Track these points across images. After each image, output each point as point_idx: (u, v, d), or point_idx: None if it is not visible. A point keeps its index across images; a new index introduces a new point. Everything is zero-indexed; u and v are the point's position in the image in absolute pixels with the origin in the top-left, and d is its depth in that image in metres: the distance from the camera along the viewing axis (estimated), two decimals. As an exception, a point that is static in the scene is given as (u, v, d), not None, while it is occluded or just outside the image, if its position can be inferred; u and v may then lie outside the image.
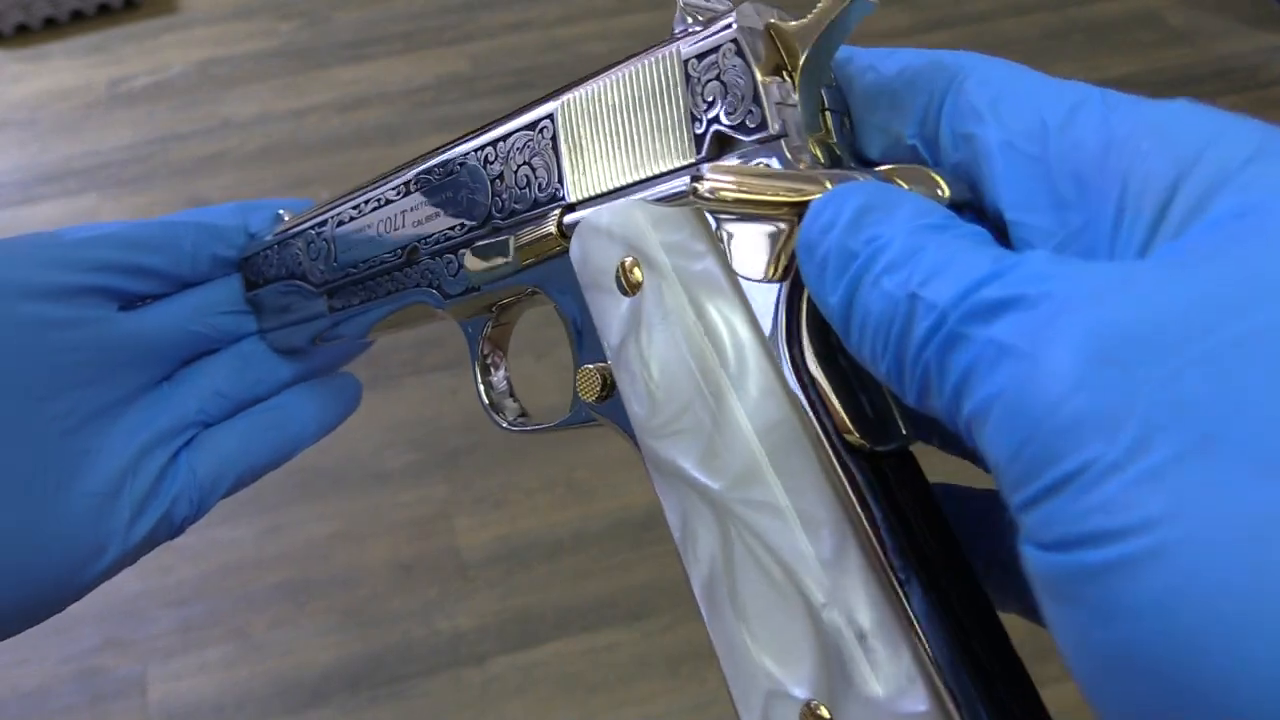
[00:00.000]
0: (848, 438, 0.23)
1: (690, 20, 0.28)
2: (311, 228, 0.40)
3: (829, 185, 0.22)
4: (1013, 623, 0.24)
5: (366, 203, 0.37)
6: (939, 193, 0.23)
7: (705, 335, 0.25)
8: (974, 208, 0.23)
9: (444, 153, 0.35)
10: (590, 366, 0.29)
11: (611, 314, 0.27)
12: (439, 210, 0.35)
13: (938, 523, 0.24)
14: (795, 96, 0.25)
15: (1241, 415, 0.14)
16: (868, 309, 0.20)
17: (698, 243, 0.26)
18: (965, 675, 0.21)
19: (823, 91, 0.26)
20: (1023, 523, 0.16)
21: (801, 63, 0.25)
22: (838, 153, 0.25)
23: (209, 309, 0.42)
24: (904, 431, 0.24)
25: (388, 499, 1.13)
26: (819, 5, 0.24)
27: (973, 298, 0.18)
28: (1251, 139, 0.18)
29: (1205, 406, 0.14)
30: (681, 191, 0.26)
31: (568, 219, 0.30)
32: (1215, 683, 0.14)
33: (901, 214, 0.20)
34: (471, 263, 0.33)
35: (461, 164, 0.34)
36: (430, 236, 0.35)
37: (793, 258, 0.24)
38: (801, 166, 0.24)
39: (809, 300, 0.24)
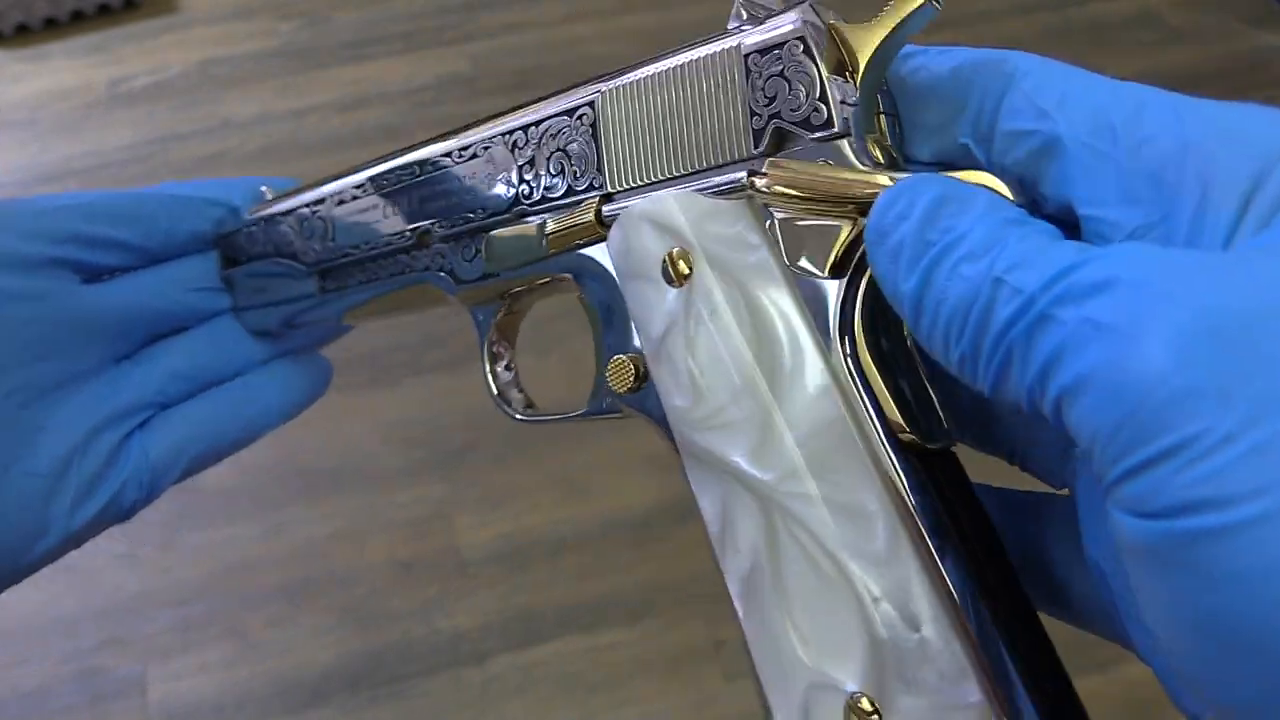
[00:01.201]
0: (901, 436, 0.24)
1: (746, 16, 0.28)
2: (305, 206, 0.39)
3: (891, 183, 0.23)
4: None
5: (373, 182, 0.37)
6: (1004, 193, 0.23)
7: (758, 328, 0.25)
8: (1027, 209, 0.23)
9: (460, 136, 0.34)
10: (622, 357, 0.29)
11: (654, 304, 0.27)
12: (457, 194, 0.34)
13: (982, 520, 0.24)
14: (856, 96, 0.25)
15: None
16: (944, 294, 0.20)
17: (751, 235, 0.26)
18: (1013, 669, 0.22)
19: (877, 94, 0.26)
20: (1121, 493, 0.17)
21: (865, 64, 0.25)
22: (893, 154, 0.26)
23: (178, 285, 0.40)
24: (949, 430, 0.25)
25: (387, 498, 1.13)
26: (886, 8, 0.25)
27: (1064, 281, 0.18)
28: None
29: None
30: (736, 184, 0.26)
31: (607, 208, 0.29)
32: None
33: (978, 207, 0.21)
34: (494, 248, 0.33)
35: (486, 148, 0.33)
36: (447, 219, 0.35)
37: (849, 254, 0.24)
38: (862, 165, 0.25)
39: (864, 298, 0.25)
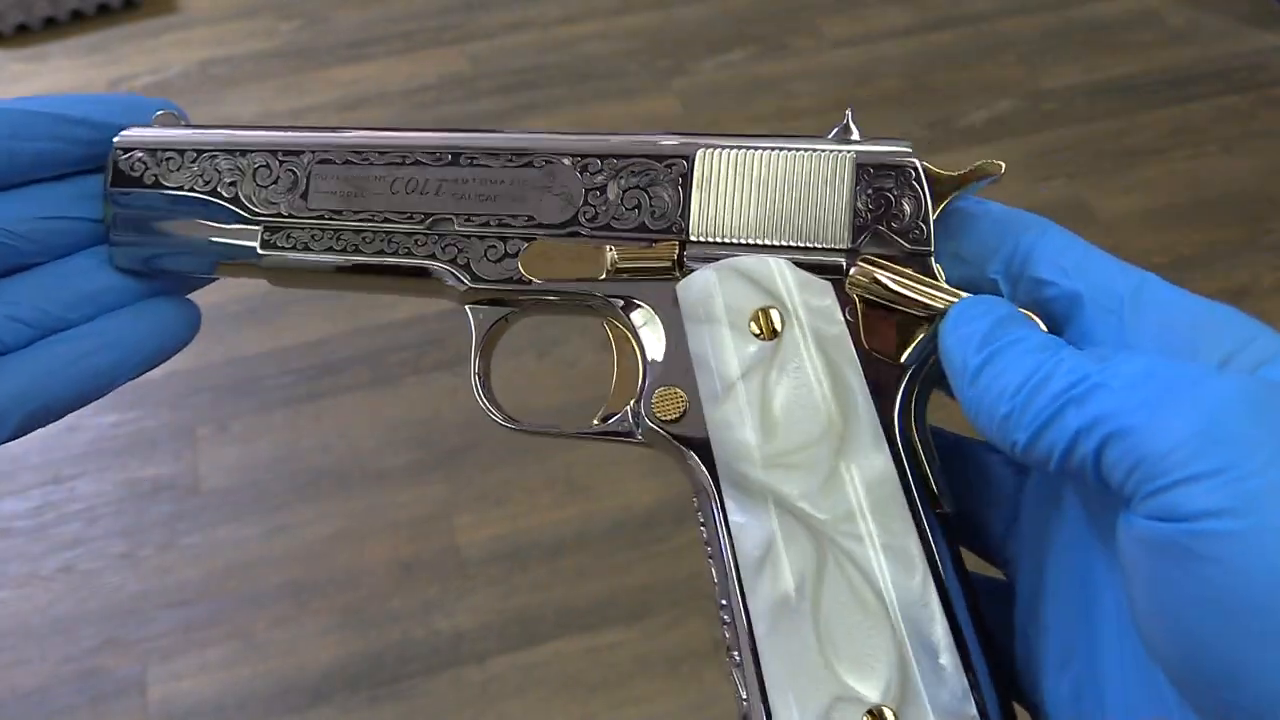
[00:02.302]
0: (932, 503, 0.30)
1: (846, 130, 0.34)
2: (267, 151, 0.36)
3: (961, 297, 0.30)
4: None
5: (378, 152, 0.36)
6: (1040, 325, 0.30)
7: (834, 390, 0.31)
8: None
9: (507, 139, 0.35)
10: (676, 389, 0.32)
11: (732, 349, 0.31)
12: (498, 195, 0.35)
13: (965, 573, 0.31)
14: (932, 224, 0.32)
15: None
16: (1006, 367, 0.27)
17: (836, 312, 0.31)
18: (996, 694, 0.29)
19: None
20: (1144, 505, 0.23)
21: (946, 202, 0.32)
22: (940, 275, 0.32)
23: (20, 215, 0.35)
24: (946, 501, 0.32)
25: (388, 498, 1.13)
26: (969, 167, 0.32)
27: (1112, 362, 0.26)
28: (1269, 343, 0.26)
29: (1246, 458, 0.22)
30: (830, 265, 0.32)
31: (688, 252, 0.33)
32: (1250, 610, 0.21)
33: (1037, 329, 0.28)
34: (539, 258, 0.34)
35: (548, 162, 0.34)
36: (476, 215, 0.35)
37: (918, 345, 0.31)
38: (939, 280, 0.31)
39: (920, 390, 0.31)
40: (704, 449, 0.31)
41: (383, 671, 1.01)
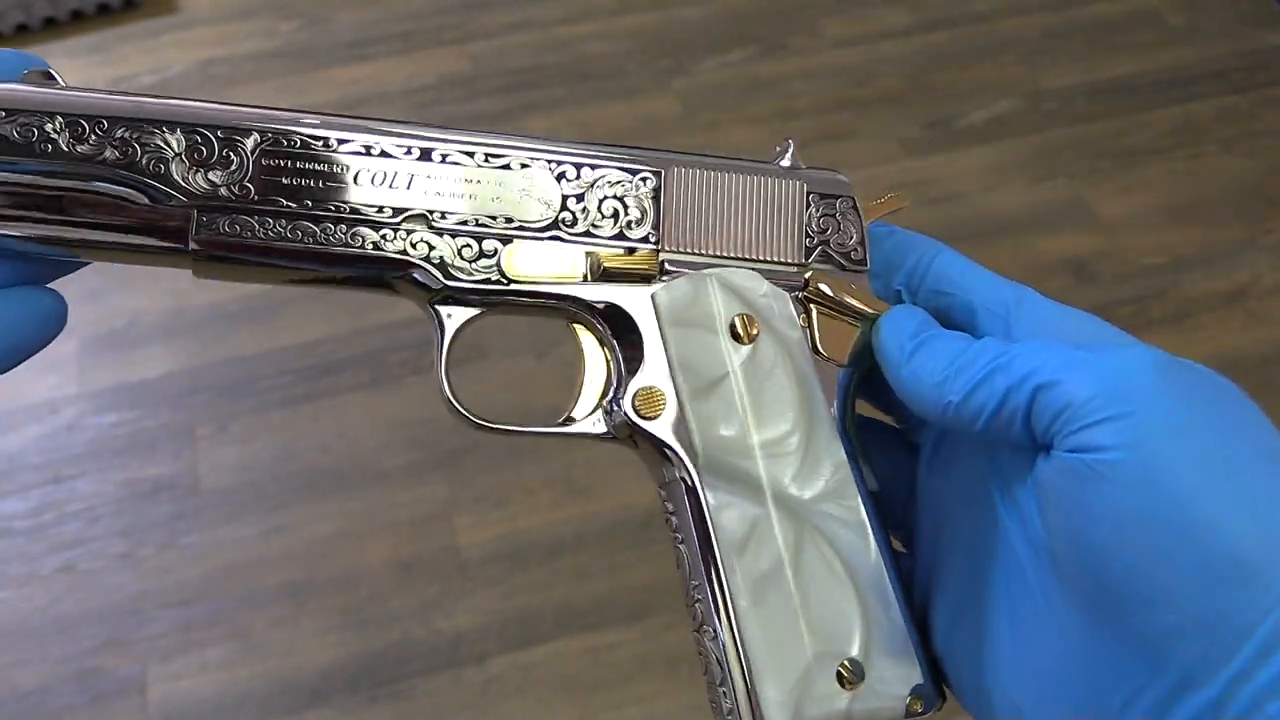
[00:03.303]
0: (867, 483, 0.35)
1: (790, 157, 0.38)
2: (205, 125, 0.33)
3: (890, 307, 0.35)
4: None
5: (340, 142, 0.34)
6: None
7: (800, 386, 0.35)
8: None
9: (475, 140, 0.34)
10: (656, 388, 0.34)
11: (713, 352, 0.34)
12: (471, 194, 0.34)
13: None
14: (868, 245, 0.37)
15: (1165, 420, 0.28)
16: (936, 350, 0.33)
17: (798, 319, 0.36)
18: (918, 638, 0.34)
19: None
20: (1067, 441, 0.29)
21: (869, 227, 0.38)
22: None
23: None
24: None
25: (388, 499, 1.13)
26: (881, 201, 0.38)
27: (1025, 345, 0.32)
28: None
29: (1148, 408, 0.28)
30: (786, 278, 0.36)
31: (668, 261, 0.36)
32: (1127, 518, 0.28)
33: (953, 330, 0.34)
34: (521, 260, 0.34)
35: (525, 165, 0.35)
36: (451, 214, 0.34)
37: (857, 347, 0.36)
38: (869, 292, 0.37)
39: (856, 387, 0.36)
40: (684, 442, 0.34)
41: (382, 671, 1.01)
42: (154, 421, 1.20)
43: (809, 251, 0.37)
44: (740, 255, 0.36)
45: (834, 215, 0.37)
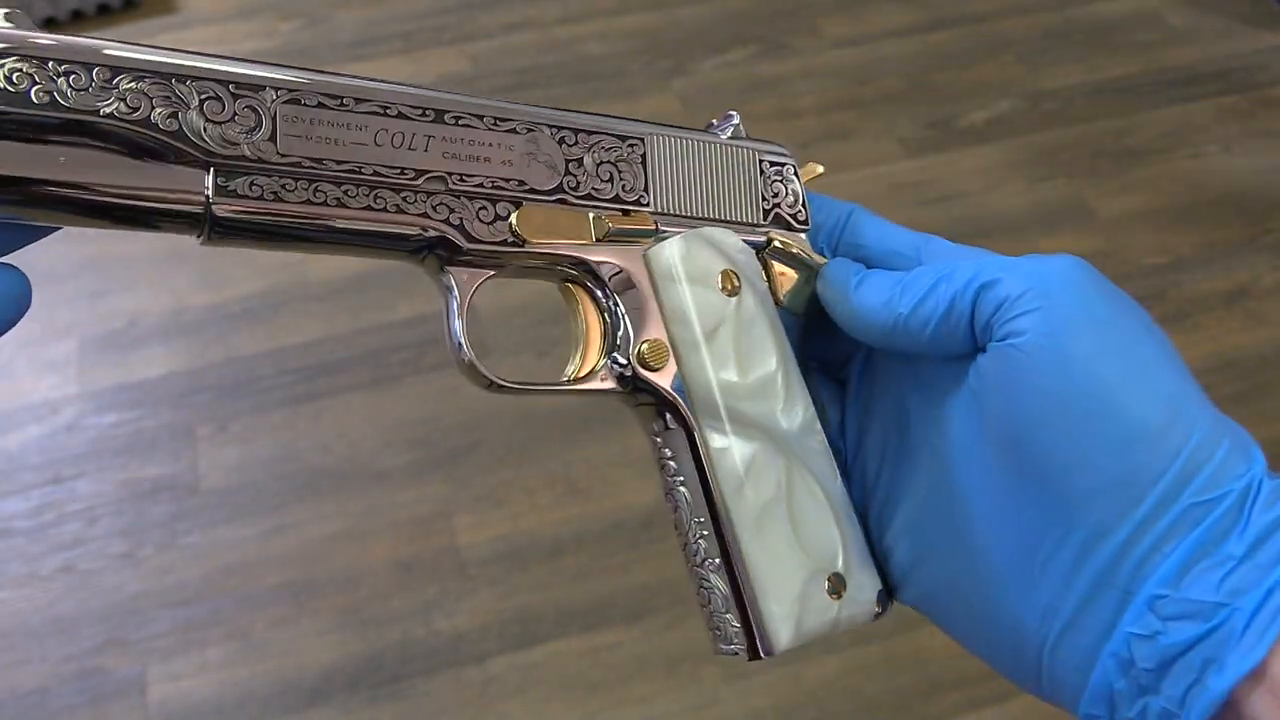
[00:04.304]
0: (824, 418, 0.39)
1: (733, 128, 0.41)
2: (215, 80, 0.31)
3: (829, 259, 0.40)
4: None
5: (355, 99, 0.33)
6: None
7: (774, 334, 0.38)
8: None
9: (486, 105, 0.35)
10: (659, 340, 0.37)
11: (708, 305, 0.37)
12: (490, 157, 0.35)
13: None
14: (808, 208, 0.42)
15: (1057, 298, 0.33)
16: (878, 281, 0.37)
17: (763, 273, 0.39)
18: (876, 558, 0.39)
19: None
20: (1002, 329, 0.33)
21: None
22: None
23: None
24: None
25: (388, 498, 1.13)
26: (805, 168, 0.42)
27: (955, 263, 0.37)
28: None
29: (1069, 302, 0.33)
30: (754, 237, 0.39)
31: (659, 222, 0.38)
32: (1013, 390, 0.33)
33: (884, 270, 0.39)
34: (534, 221, 0.35)
35: (529, 130, 0.36)
36: (470, 176, 0.34)
37: (809, 298, 0.40)
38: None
39: (807, 333, 0.40)
40: (685, 391, 0.37)
41: (382, 671, 1.01)
42: (154, 421, 1.20)
43: (766, 213, 0.40)
44: (716, 217, 0.39)
45: (781, 180, 0.41)
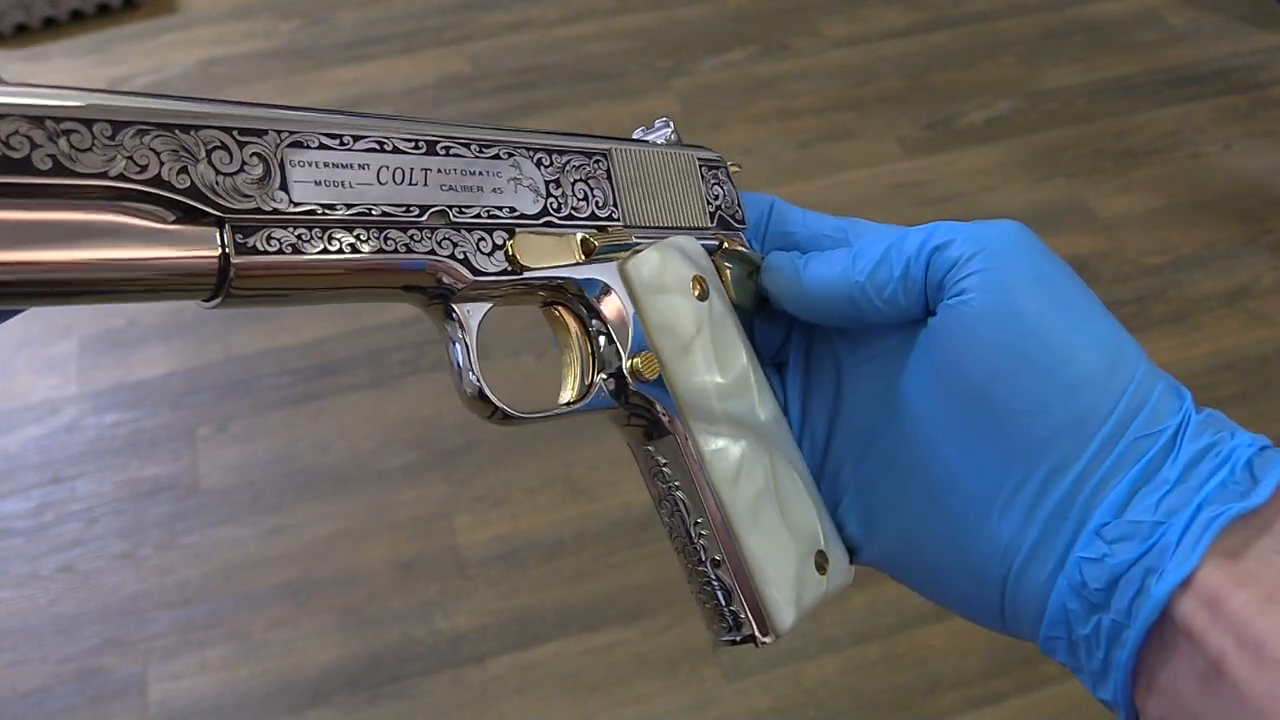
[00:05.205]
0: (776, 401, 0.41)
1: (663, 135, 0.42)
2: (218, 127, 0.28)
3: (768, 254, 0.41)
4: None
5: (353, 136, 0.31)
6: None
7: (739, 331, 0.39)
8: None
9: (474, 131, 0.34)
10: (649, 353, 0.37)
11: (685, 312, 0.38)
12: (482, 186, 0.34)
13: None
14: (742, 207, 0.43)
15: (998, 262, 0.35)
16: (824, 260, 0.39)
17: (717, 275, 0.40)
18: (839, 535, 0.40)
19: None
20: (954, 288, 0.35)
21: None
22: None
23: None
24: None
25: (388, 498, 1.13)
26: (732, 165, 0.43)
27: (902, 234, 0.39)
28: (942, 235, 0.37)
29: (1015, 262, 0.35)
30: (708, 241, 0.40)
31: (633, 235, 0.38)
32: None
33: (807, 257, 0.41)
34: (528, 248, 0.35)
35: (510, 154, 0.35)
36: (467, 207, 0.33)
37: (753, 292, 0.41)
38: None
39: (750, 327, 0.42)
40: (674, 398, 0.37)
41: (382, 671, 1.01)
42: (154, 421, 1.20)
43: (712, 216, 0.41)
44: (676, 224, 0.40)
45: (719, 183, 0.42)
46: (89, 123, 0.25)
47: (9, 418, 1.20)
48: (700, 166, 0.42)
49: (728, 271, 0.41)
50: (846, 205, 1.39)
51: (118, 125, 0.26)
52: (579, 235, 0.36)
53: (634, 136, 0.41)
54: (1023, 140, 1.51)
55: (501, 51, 1.65)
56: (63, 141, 0.25)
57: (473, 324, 0.34)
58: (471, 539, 1.10)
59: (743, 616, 0.37)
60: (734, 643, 0.38)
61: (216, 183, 0.27)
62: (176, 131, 0.27)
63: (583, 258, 0.36)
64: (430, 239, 0.32)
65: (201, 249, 0.27)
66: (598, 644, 1.02)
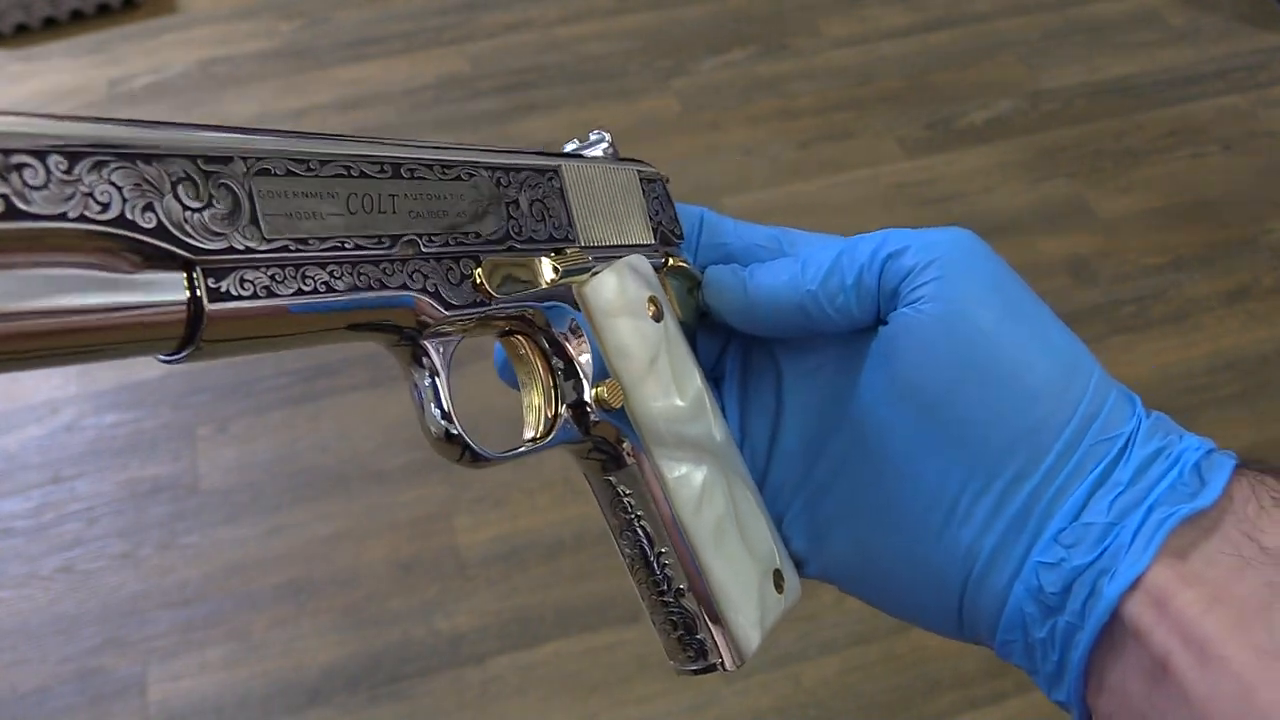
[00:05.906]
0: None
1: (600, 149, 0.40)
2: (181, 155, 0.24)
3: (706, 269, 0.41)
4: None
5: (319, 160, 0.28)
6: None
7: (688, 350, 0.38)
8: None
9: (432, 151, 0.31)
10: (611, 381, 0.35)
11: (644, 335, 0.36)
12: (448, 212, 0.31)
13: None
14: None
15: (954, 277, 0.35)
16: (769, 269, 0.38)
17: (665, 293, 0.39)
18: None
19: None
20: (909, 296, 0.35)
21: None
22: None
23: None
24: None
25: (388, 499, 1.13)
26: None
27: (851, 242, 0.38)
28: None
29: (969, 270, 0.35)
30: (654, 258, 0.39)
31: (590, 255, 0.36)
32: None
33: (748, 270, 0.40)
34: (499, 276, 0.32)
35: (470, 175, 0.32)
36: (436, 236, 0.30)
37: (695, 307, 0.40)
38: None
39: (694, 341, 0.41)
40: (637, 425, 0.36)
41: (382, 671, 1.01)
42: (154, 421, 1.20)
43: (655, 232, 0.40)
44: (626, 243, 0.38)
45: (657, 198, 0.41)
46: (41, 154, 0.22)
47: (9, 418, 1.20)
48: (642, 181, 0.40)
49: (671, 289, 0.39)
50: (846, 205, 1.39)
51: (74, 157, 0.22)
52: (541, 260, 0.34)
53: (567, 150, 0.39)
54: (1023, 140, 1.51)
55: (501, 51, 1.65)
56: (14, 178, 0.21)
57: (444, 363, 0.32)
58: (471, 539, 1.10)
59: (709, 644, 0.36)
60: (697, 672, 0.37)
61: (185, 219, 0.24)
62: (138, 162, 0.23)
63: (547, 284, 0.34)
64: (402, 272, 0.29)
65: (168, 295, 0.24)
66: (598, 644, 1.02)
